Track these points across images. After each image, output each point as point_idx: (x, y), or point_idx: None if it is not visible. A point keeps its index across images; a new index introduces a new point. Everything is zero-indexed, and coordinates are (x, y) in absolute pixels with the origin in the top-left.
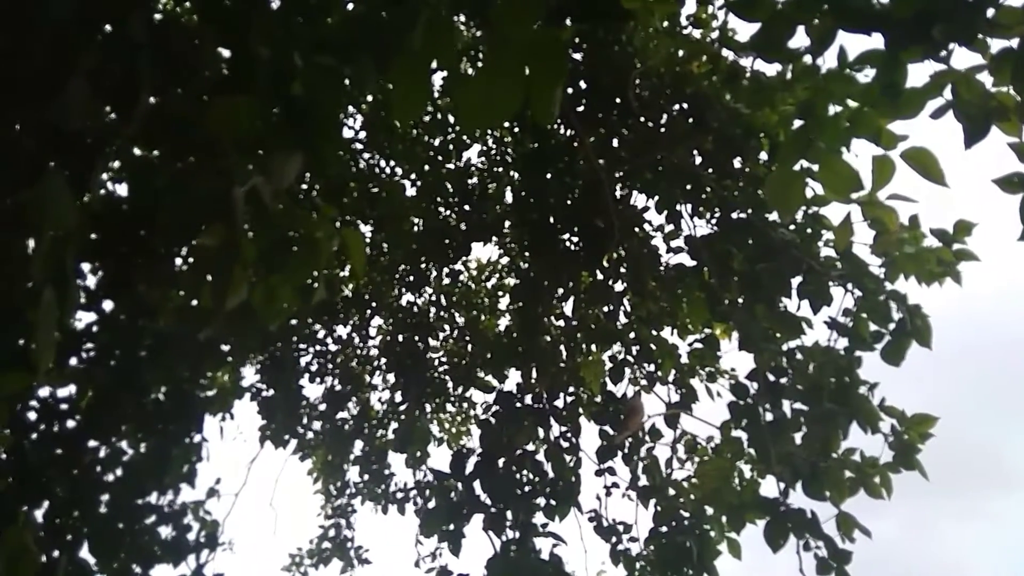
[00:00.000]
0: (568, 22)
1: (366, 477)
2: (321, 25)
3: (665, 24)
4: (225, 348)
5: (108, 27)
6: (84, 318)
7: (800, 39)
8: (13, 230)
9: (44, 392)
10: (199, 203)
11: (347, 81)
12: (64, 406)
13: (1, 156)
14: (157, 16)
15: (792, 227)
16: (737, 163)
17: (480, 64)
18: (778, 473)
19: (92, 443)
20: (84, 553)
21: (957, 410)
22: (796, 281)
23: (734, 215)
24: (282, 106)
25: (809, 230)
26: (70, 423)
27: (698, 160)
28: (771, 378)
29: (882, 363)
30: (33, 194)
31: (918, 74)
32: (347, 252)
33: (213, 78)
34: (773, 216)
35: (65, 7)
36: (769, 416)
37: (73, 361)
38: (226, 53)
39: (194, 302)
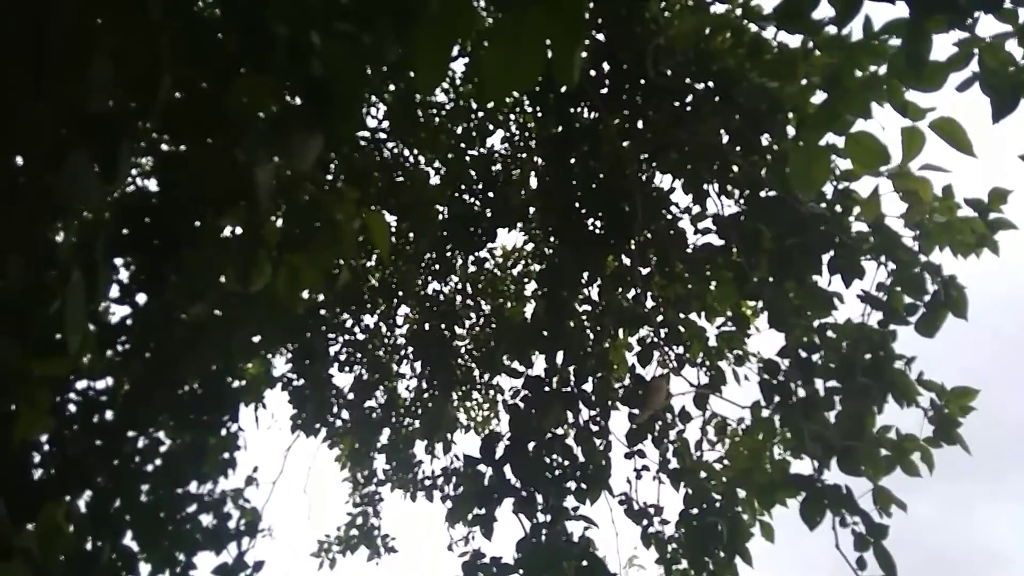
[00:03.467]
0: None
1: (393, 464)
2: None
3: (691, 1)
4: (256, 339)
5: (127, 10)
6: (118, 312)
7: (824, 9)
8: (41, 214)
9: (82, 384)
10: (221, 185)
11: (368, 55)
12: (103, 398)
13: (26, 140)
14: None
15: (823, 204)
16: (765, 140)
17: (498, 30)
18: (812, 451)
19: (131, 433)
20: (128, 541)
21: (993, 388)
22: (827, 257)
23: (762, 193)
24: (301, 85)
25: (839, 207)
26: (109, 414)
27: (725, 138)
28: (802, 355)
29: (917, 338)
30: (59, 177)
31: (942, 48)
32: (371, 235)
33: (233, 59)
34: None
35: None
36: (801, 393)
37: (109, 354)
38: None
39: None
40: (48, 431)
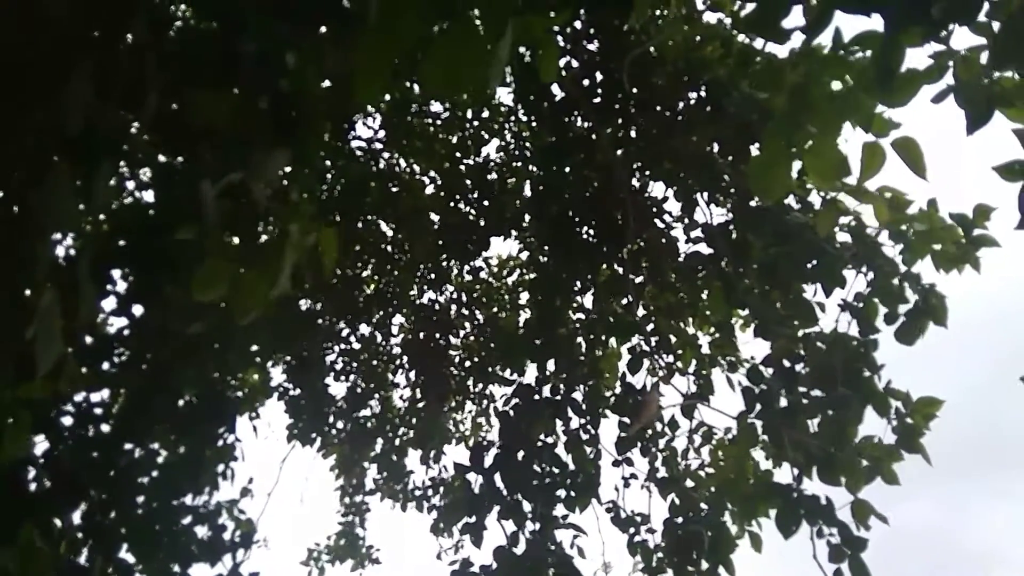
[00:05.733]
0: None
1: (384, 474)
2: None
3: (683, 11)
4: (253, 349)
5: (112, 28)
6: (116, 323)
7: (797, 18)
8: (21, 232)
9: (79, 397)
10: (181, 199)
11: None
12: (99, 410)
13: (7, 158)
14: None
15: (811, 214)
16: (754, 150)
17: (436, 38)
18: (792, 459)
19: (127, 446)
20: (124, 554)
21: (991, 390)
22: (811, 266)
23: (751, 202)
24: (267, 101)
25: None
26: (105, 427)
27: (715, 147)
28: (786, 364)
29: (915, 344)
30: (37, 195)
31: (913, 61)
32: (321, 248)
33: (208, 75)
34: (789, 200)
35: (62, 6)
36: (784, 402)
37: (106, 366)
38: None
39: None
40: (28, 451)
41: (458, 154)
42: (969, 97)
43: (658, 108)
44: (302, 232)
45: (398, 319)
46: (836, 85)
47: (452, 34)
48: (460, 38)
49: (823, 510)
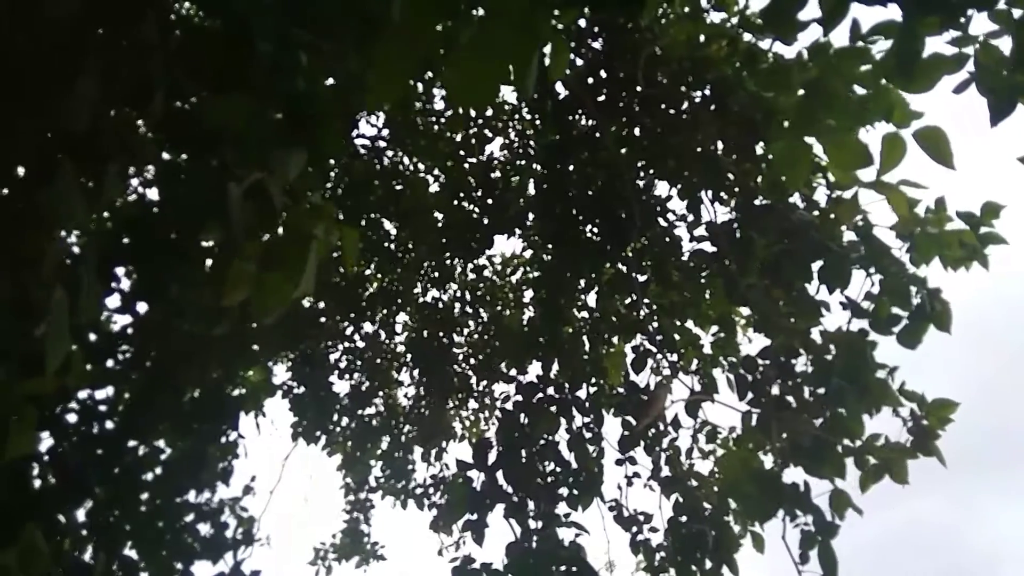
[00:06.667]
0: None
1: (388, 472)
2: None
3: (687, 9)
4: (256, 347)
5: (120, 29)
6: (120, 321)
7: (812, 12)
8: (28, 230)
9: (83, 395)
10: (202, 201)
11: (333, 67)
12: (103, 408)
13: (15, 157)
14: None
15: (816, 212)
16: (759, 148)
17: (465, 42)
18: (778, 449)
19: (131, 443)
20: (127, 551)
21: (1002, 387)
22: (816, 264)
23: (756, 201)
24: (283, 101)
25: (833, 215)
26: (109, 424)
27: (719, 146)
28: (783, 359)
29: (926, 343)
30: (45, 194)
31: (933, 50)
32: (342, 246)
33: (220, 75)
34: (794, 199)
35: (67, 6)
36: (776, 391)
37: (110, 363)
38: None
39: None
40: (32, 449)
41: (462, 152)
42: (991, 86)
43: (663, 106)
44: (326, 233)
45: (402, 317)
46: (855, 77)
47: (479, 41)
48: (489, 44)
49: (800, 496)
